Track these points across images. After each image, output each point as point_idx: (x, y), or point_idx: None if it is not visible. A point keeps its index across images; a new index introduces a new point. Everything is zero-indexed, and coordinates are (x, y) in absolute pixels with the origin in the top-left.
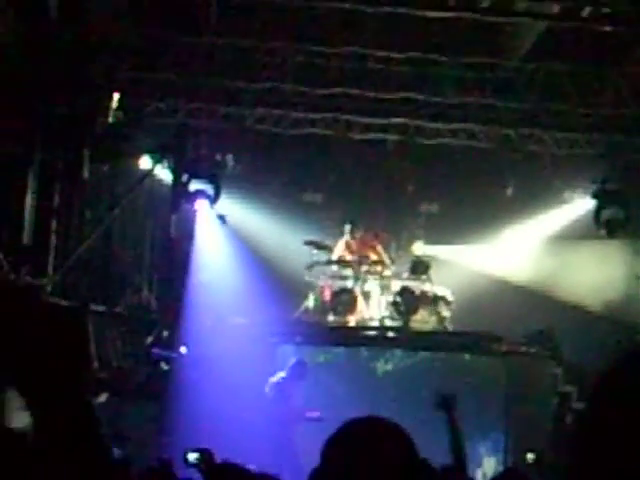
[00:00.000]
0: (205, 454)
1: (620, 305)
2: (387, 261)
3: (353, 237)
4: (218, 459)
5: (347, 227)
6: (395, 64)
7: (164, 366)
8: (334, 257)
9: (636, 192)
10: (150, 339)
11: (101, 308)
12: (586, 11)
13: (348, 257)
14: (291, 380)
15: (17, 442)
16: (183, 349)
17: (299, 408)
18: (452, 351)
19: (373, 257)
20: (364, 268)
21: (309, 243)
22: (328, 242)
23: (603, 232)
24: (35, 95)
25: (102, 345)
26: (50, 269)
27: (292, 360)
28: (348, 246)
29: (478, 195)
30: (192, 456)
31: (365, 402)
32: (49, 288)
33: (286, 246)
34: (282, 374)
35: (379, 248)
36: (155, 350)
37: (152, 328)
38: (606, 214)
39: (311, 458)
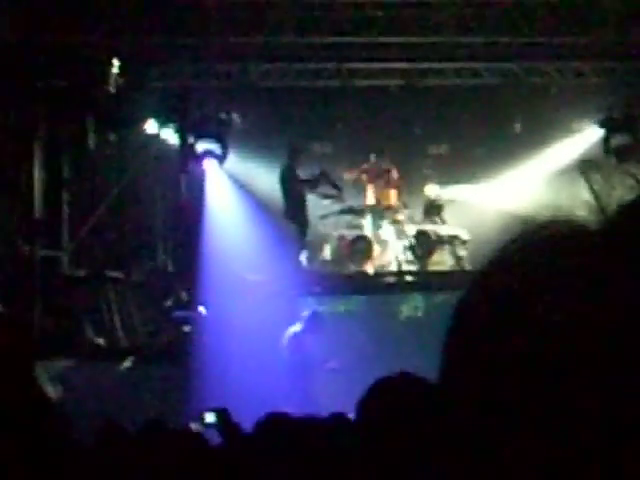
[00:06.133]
0: (222, 413)
1: None
2: (401, 205)
3: (374, 168)
4: (241, 418)
5: (372, 156)
6: (393, 8)
7: (186, 329)
8: (366, 202)
9: None
10: (169, 302)
11: (118, 275)
12: None
13: (365, 201)
14: (307, 333)
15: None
16: (203, 310)
17: (317, 360)
18: None
19: (387, 202)
20: (378, 214)
21: (316, 191)
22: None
23: (613, 159)
24: (34, 67)
25: (122, 312)
26: (64, 240)
27: (307, 312)
28: (368, 178)
29: (487, 133)
30: (209, 416)
31: (388, 349)
32: (65, 259)
33: None
34: (298, 327)
35: (393, 192)
36: (175, 313)
37: (170, 291)
38: (615, 141)
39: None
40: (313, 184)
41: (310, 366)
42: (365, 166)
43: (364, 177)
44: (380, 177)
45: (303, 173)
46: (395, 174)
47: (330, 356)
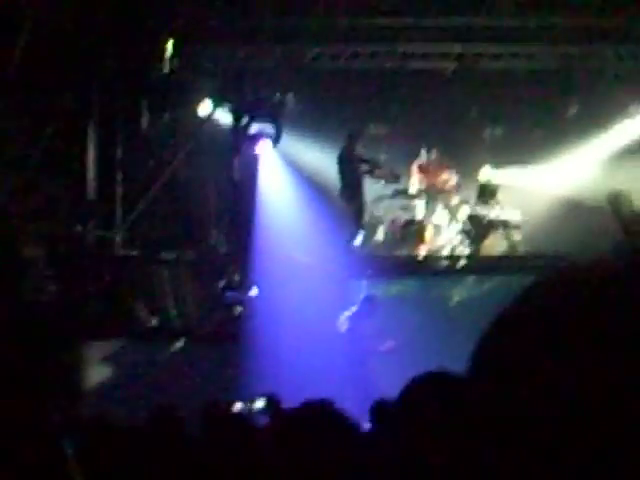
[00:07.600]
0: (272, 400)
1: None
2: (455, 189)
3: (426, 163)
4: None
5: (423, 151)
6: None
7: (237, 309)
8: (410, 186)
9: None
10: (222, 283)
11: (172, 256)
12: None
13: (418, 186)
14: (361, 317)
15: None
16: (255, 291)
17: (372, 343)
18: (525, 274)
19: (441, 185)
20: (432, 197)
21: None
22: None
23: None
24: (88, 47)
25: (175, 292)
26: (118, 221)
27: (361, 296)
28: (421, 171)
29: (542, 116)
30: (259, 403)
31: (439, 332)
32: (118, 239)
33: None
34: (353, 310)
35: (447, 175)
36: (228, 294)
37: (223, 272)
38: None
39: (387, 389)
40: (371, 166)
41: (364, 349)
42: (421, 155)
43: (419, 165)
44: (435, 160)
45: (360, 155)
46: (450, 158)
47: (384, 339)
